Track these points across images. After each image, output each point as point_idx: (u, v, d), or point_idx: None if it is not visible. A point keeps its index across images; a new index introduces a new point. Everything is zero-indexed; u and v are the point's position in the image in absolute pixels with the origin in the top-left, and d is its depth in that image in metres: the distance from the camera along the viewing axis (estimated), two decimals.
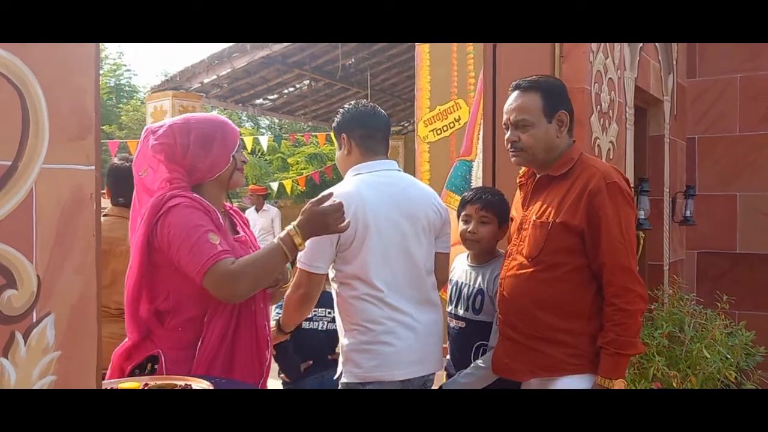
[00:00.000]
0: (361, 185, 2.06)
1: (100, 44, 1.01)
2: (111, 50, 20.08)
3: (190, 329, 1.81)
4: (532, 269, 2.03)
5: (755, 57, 4.59)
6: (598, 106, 3.15)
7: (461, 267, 2.42)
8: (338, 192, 1.99)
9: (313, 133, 13.98)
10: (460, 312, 2.32)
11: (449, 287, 2.43)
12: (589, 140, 3.05)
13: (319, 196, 1.85)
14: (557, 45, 2.99)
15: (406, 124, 12.92)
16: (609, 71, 3.28)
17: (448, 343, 2.38)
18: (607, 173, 2.01)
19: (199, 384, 1.51)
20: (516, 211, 2.23)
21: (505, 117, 2.12)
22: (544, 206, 2.06)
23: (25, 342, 0.87)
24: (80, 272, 0.95)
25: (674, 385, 2.91)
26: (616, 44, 3.36)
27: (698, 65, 4.81)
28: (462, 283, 2.36)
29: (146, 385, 1.50)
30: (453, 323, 2.35)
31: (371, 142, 2.16)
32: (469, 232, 2.29)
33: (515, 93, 2.12)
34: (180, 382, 1.51)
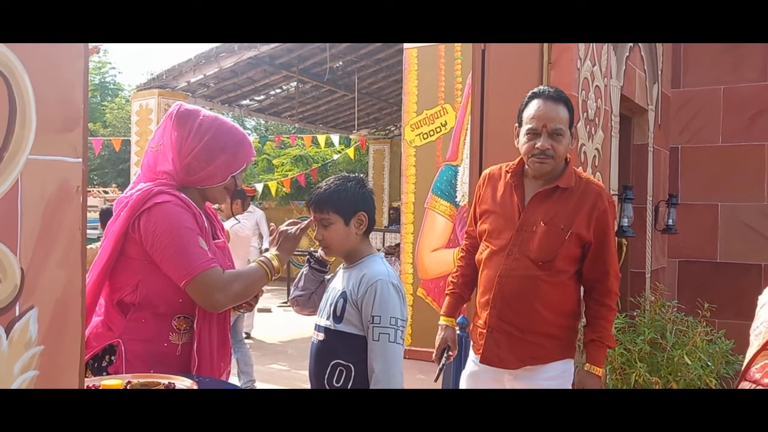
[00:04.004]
0: None
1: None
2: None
3: (155, 323, 1.78)
4: (542, 272, 2.17)
5: (738, 68, 4.65)
6: (585, 113, 3.17)
7: (340, 271, 2.10)
8: None
9: (299, 135, 13.97)
10: (323, 322, 1.99)
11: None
12: (576, 147, 3.07)
13: (289, 221, 2.07)
14: (545, 51, 3.01)
15: (392, 128, 12.93)
16: (596, 79, 3.31)
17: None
18: (605, 192, 2.25)
19: (183, 383, 1.50)
20: (501, 208, 2.26)
21: (535, 123, 2.14)
22: (552, 214, 2.18)
23: (7, 336, 0.85)
24: (65, 266, 0.93)
25: None
26: (603, 52, 3.39)
27: (682, 76, 4.87)
28: (332, 288, 2.05)
29: (129, 383, 1.48)
30: (314, 337, 2.02)
31: None
32: (316, 239, 2.02)
33: (544, 101, 2.16)
34: (164, 380, 1.49)
